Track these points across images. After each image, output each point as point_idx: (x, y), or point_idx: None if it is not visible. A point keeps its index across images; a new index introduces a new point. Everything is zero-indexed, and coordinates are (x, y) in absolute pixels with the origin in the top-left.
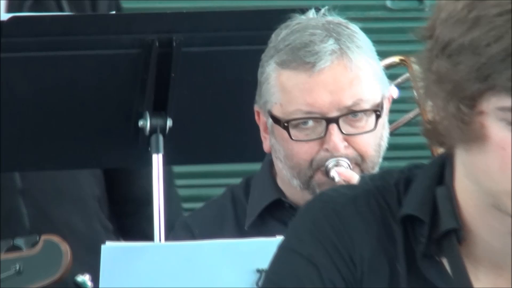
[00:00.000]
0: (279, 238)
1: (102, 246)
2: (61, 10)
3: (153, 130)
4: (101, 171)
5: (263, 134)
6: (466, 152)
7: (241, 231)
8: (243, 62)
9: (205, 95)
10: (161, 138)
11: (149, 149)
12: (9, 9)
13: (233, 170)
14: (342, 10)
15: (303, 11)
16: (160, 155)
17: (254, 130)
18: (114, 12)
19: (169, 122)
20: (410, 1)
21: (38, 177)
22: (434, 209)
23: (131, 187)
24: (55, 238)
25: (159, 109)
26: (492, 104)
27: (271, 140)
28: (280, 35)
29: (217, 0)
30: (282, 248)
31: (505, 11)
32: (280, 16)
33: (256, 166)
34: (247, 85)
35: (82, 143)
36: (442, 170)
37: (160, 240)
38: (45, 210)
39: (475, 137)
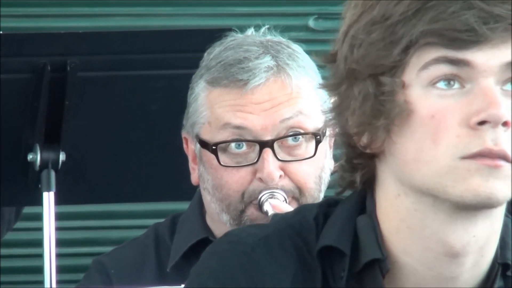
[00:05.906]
0: None
1: None
2: None
3: (44, 165)
4: None
5: (191, 165)
6: (392, 153)
7: (162, 274)
8: (149, 89)
9: (105, 125)
10: (53, 174)
11: (40, 186)
12: None
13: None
14: (257, 30)
15: (213, 32)
16: (52, 193)
17: (163, 166)
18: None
19: (62, 156)
20: (336, 21)
21: None
22: (355, 240)
23: None
24: None
25: (51, 141)
26: (414, 66)
27: (199, 169)
28: (213, 53)
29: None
30: None
31: None
32: (190, 36)
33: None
34: (154, 114)
35: None
36: (363, 201)
37: (50, 285)
38: None
39: (401, 116)
